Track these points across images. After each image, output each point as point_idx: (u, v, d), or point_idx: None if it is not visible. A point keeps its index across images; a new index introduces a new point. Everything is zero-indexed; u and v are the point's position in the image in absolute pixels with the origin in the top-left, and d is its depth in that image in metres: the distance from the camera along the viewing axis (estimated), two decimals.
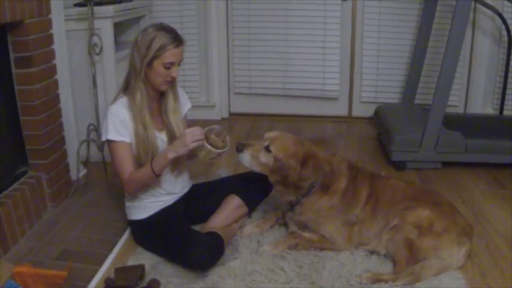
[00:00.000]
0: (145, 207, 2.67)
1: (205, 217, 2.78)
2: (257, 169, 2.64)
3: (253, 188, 2.85)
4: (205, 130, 2.47)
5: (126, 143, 2.53)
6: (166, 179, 2.67)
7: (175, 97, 2.67)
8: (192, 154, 2.73)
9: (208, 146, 2.43)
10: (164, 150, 2.49)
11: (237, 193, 2.82)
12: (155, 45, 2.44)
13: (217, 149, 2.47)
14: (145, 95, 2.54)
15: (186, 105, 2.80)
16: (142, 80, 2.51)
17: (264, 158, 2.60)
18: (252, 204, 2.90)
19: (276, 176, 2.60)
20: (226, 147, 2.51)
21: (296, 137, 2.71)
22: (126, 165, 2.53)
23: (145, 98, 2.54)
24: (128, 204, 2.72)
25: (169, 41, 2.46)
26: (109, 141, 2.54)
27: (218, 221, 2.73)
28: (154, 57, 2.46)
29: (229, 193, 2.82)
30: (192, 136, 2.38)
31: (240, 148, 2.63)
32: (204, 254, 2.43)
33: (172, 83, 2.60)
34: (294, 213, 2.69)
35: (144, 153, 2.54)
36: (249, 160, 2.63)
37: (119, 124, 2.51)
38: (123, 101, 2.56)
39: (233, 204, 2.79)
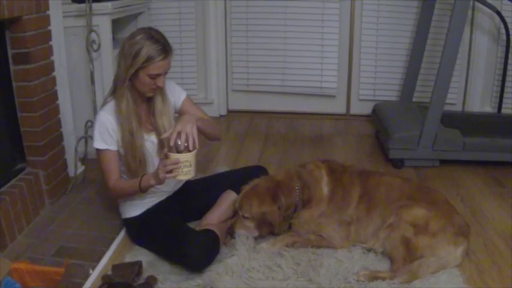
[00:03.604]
0: (137, 204, 2.67)
1: (201, 213, 2.79)
2: (256, 234, 2.66)
3: None
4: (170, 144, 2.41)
5: (111, 151, 2.52)
6: None
7: (164, 100, 2.63)
8: None
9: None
10: (149, 175, 2.45)
11: (234, 188, 2.80)
12: (141, 57, 2.38)
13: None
14: (132, 102, 2.51)
15: (180, 96, 2.76)
16: (128, 87, 2.48)
17: (248, 224, 2.63)
18: None
19: (265, 228, 2.63)
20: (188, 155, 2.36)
21: (262, 179, 2.70)
22: (112, 173, 2.53)
23: (132, 105, 2.51)
24: (120, 202, 2.73)
25: (156, 53, 2.39)
26: (96, 149, 2.55)
27: (215, 217, 2.73)
28: (140, 68, 2.41)
29: (225, 189, 2.82)
30: (163, 168, 2.30)
31: (231, 232, 2.65)
32: (200, 255, 2.42)
33: (159, 89, 2.56)
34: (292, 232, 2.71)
35: (132, 160, 2.54)
36: (246, 232, 2.64)
37: (105, 132, 2.50)
38: (112, 105, 2.54)
39: (229, 200, 2.78)
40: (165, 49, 2.43)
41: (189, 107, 2.77)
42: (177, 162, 2.28)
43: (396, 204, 2.56)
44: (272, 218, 2.59)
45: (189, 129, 2.37)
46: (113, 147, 2.52)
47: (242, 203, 2.62)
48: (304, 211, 2.66)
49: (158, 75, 2.45)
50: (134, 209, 2.67)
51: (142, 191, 2.48)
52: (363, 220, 2.62)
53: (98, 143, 2.51)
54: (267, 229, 2.64)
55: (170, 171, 2.28)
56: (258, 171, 2.90)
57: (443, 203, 2.61)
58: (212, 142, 3.34)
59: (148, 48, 2.38)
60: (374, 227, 2.59)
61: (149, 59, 2.39)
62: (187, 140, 2.35)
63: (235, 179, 2.87)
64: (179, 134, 2.35)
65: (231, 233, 2.64)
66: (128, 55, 2.40)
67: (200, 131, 2.55)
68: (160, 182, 2.38)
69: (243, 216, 2.62)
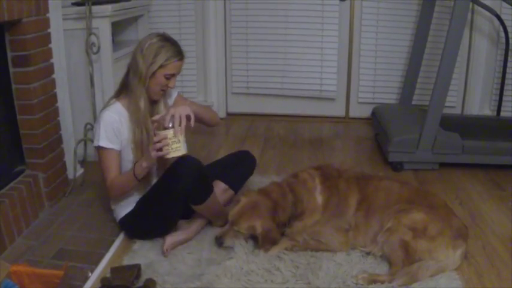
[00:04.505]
0: (129, 202, 2.70)
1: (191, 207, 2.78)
2: (247, 236, 2.66)
3: (236, 171, 2.91)
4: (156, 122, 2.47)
5: (115, 150, 2.57)
6: (151, 180, 2.70)
7: (166, 105, 2.71)
8: None
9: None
10: (141, 159, 2.50)
11: (221, 178, 2.85)
12: (162, 55, 2.51)
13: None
14: (147, 101, 2.59)
15: (172, 95, 2.80)
16: (146, 86, 2.56)
17: (241, 237, 2.63)
18: (236, 186, 2.94)
19: (268, 245, 2.59)
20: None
21: (258, 196, 2.67)
22: (112, 172, 2.58)
23: (148, 104, 2.59)
24: (113, 206, 2.77)
25: (175, 53, 2.54)
26: (99, 147, 2.57)
27: None
28: (160, 67, 2.52)
29: (213, 179, 2.82)
30: (154, 146, 2.37)
31: (220, 241, 2.63)
32: (194, 164, 2.51)
33: (165, 92, 2.66)
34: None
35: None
36: (235, 241, 2.63)
37: (111, 132, 2.55)
38: (117, 106, 2.60)
39: (218, 190, 2.79)
40: (181, 52, 2.59)
41: (181, 100, 2.81)
42: (165, 138, 2.35)
43: (395, 208, 2.56)
44: (274, 235, 2.60)
45: (183, 112, 2.45)
46: (117, 147, 2.57)
47: (240, 221, 2.61)
48: (298, 222, 2.66)
49: (173, 75, 2.57)
50: (127, 207, 2.70)
51: (138, 177, 2.50)
52: (361, 226, 2.61)
53: (103, 141, 2.54)
54: (269, 245, 2.61)
55: (161, 150, 2.35)
56: (245, 157, 3.00)
57: (441, 207, 2.61)
58: (212, 145, 3.33)
59: (168, 48, 2.53)
60: (373, 233, 2.58)
61: (169, 58, 2.53)
62: (180, 121, 2.42)
63: (221, 169, 2.93)
64: (172, 116, 2.42)
65: (219, 242, 2.64)
66: (148, 54, 2.51)
67: (197, 117, 2.61)
68: (152, 161, 2.45)
69: (239, 231, 2.63)
